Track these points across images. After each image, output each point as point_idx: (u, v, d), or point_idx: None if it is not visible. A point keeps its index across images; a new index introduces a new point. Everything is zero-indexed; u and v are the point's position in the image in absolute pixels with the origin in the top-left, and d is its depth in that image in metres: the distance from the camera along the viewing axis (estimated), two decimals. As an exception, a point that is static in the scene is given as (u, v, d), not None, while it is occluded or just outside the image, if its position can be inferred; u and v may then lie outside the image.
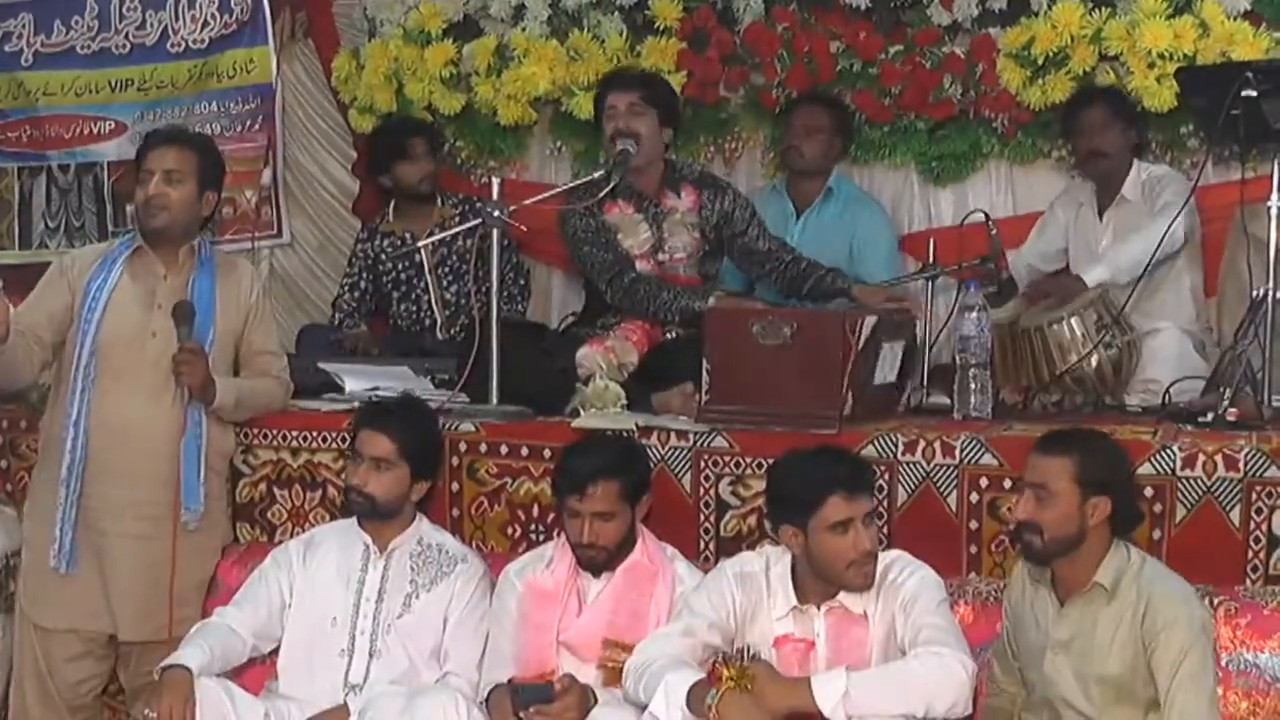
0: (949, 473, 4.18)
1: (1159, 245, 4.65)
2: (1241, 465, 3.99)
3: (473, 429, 4.50)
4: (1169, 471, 4.02)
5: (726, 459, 4.33)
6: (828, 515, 3.60)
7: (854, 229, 5.57)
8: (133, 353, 4.31)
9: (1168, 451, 4.04)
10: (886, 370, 4.55)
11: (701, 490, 4.33)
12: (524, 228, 4.93)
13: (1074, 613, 3.57)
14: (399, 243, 5.65)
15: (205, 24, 5.95)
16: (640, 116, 4.88)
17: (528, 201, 4.93)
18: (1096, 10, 5.35)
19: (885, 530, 4.16)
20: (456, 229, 5.32)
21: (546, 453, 4.39)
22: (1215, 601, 3.75)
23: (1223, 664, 3.66)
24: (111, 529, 4.30)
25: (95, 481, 4.29)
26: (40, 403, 4.57)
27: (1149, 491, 3.95)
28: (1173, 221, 4.68)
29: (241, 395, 4.43)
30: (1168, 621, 3.44)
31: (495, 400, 4.58)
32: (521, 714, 3.79)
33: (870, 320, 4.42)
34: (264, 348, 4.53)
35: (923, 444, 4.21)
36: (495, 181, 4.79)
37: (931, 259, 5.17)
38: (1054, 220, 5.41)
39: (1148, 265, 4.68)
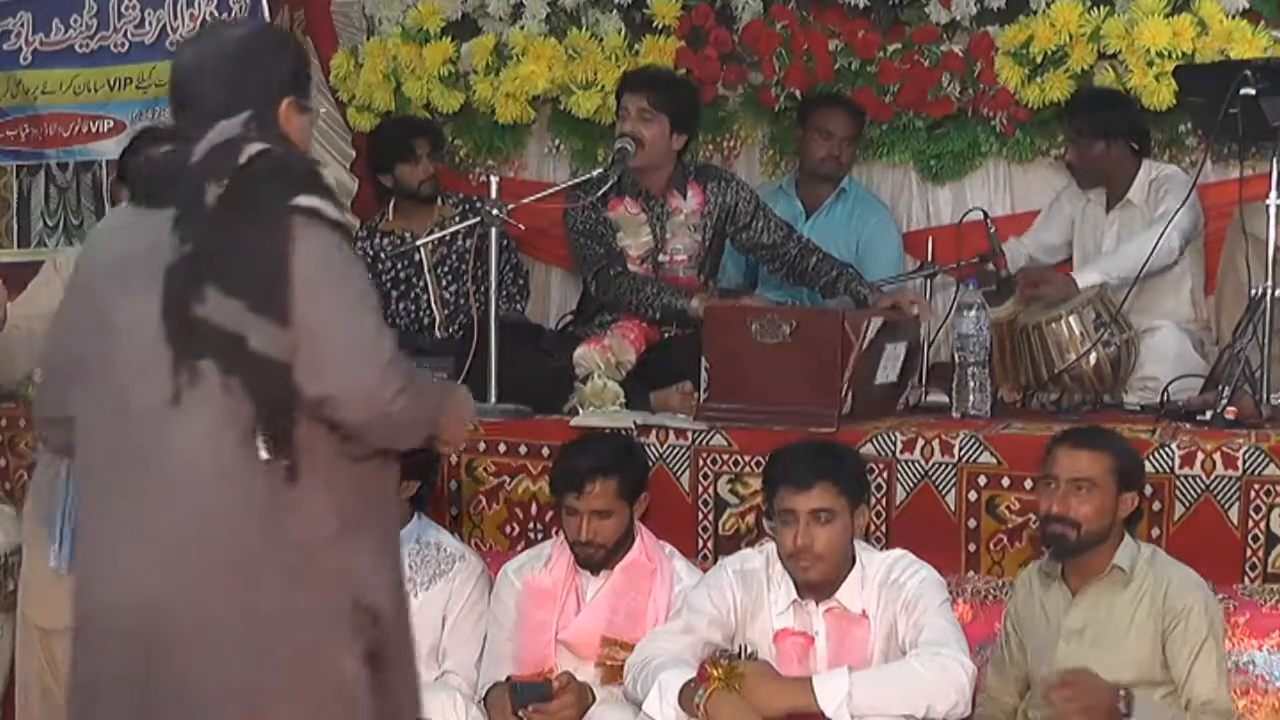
0: (947, 471, 4.18)
1: (1150, 254, 4.65)
2: (1240, 463, 3.99)
3: (471, 427, 4.49)
4: (1167, 470, 4.03)
5: (725, 457, 4.33)
6: (778, 503, 3.67)
7: (861, 231, 5.55)
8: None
9: (1166, 450, 4.04)
10: (889, 370, 4.55)
11: (700, 488, 4.33)
12: (522, 226, 4.93)
13: (1087, 600, 3.62)
14: (398, 242, 5.64)
15: (204, 22, 5.93)
16: (648, 123, 4.82)
17: (527, 200, 4.92)
18: (1095, 8, 5.34)
19: (884, 528, 4.17)
20: (455, 228, 5.31)
21: (545, 451, 4.39)
22: (1214, 599, 3.77)
23: (1221, 661, 3.67)
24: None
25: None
26: (39, 401, 4.57)
27: (1147, 490, 3.94)
28: (1165, 228, 4.67)
29: None
30: (1188, 604, 3.52)
31: (494, 399, 4.58)
32: (520, 712, 3.79)
33: (876, 322, 4.41)
34: None
35: (921, 442, 4.21)
36: (493, 180, 4.79)
37: (930, 257, 5.17)
38: (1059, 213, 5.39)
39: (1139, 274, 4.69)
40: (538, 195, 5.04)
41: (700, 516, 4.33)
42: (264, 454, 2.51)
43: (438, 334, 5.59)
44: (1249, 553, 3.98)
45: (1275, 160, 4.36)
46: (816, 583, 3.67)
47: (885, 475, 4.19)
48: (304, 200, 2.55)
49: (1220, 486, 4.00)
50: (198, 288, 2.51)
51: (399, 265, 5.68)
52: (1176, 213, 4.71)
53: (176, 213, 2.56)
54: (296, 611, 2.55)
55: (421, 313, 5.67)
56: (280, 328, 2.50)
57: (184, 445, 2.52)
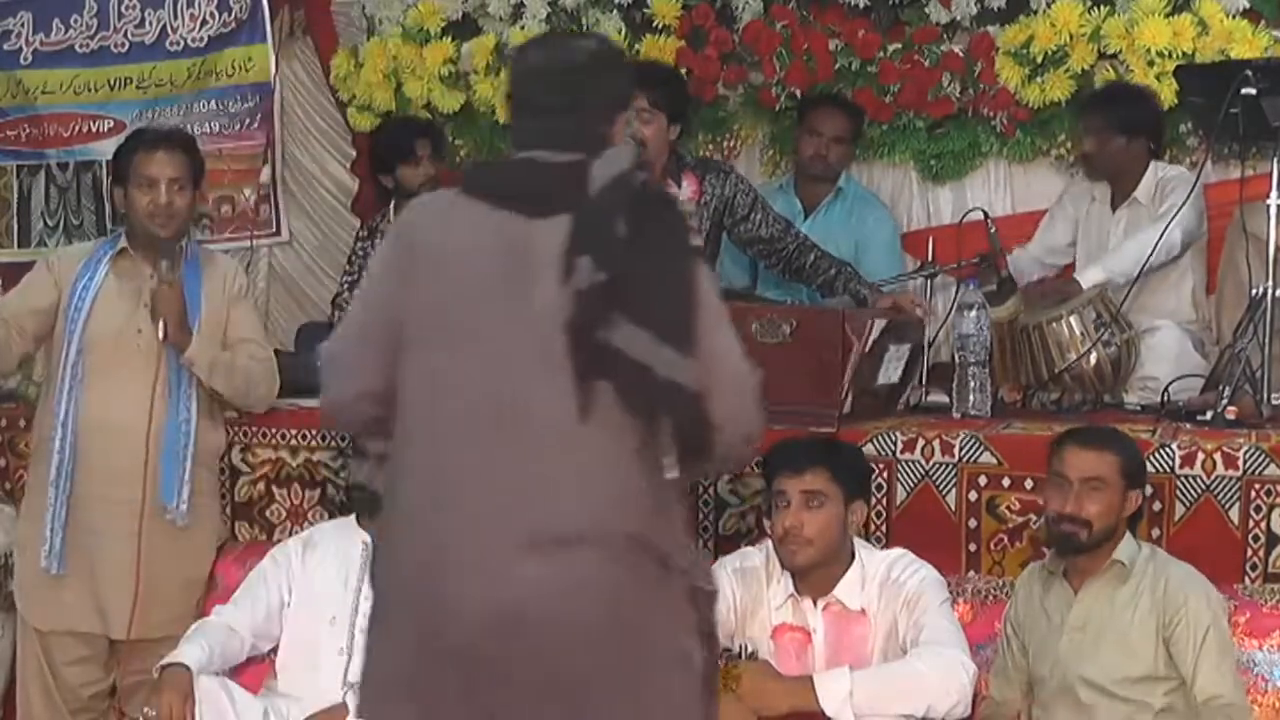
0: (948, 471, 4.18)
1: (1154, 249, 4.65)
2: (1240, 463, 3.99)
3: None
4: (1168, 470, 4.02)
5: (725, 457, 4.32)
6: (774, 488, 3.70)
7: (860, 229, 5.55)
8: (120, 351, 4.30)
9: (1166, 450, 4.04)
10: (891, 372, 4.55)
11: (700, 488, 4.32)
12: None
13: (1089, 597, 3.64)
14: (398, 242, 5.64)
15: (204, 22, 5.95)
16: (649, 124, 4.81)
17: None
18: (1095, 8, 5.35)
19: (884, 528, 4.17)
20: (455, 227, 5.31)
21: (545, 451, 4.38)
22: (1214, 599, 3.76)
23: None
24: (102, 528, 4.29)
25: (85, 481, 4.28)
26: (39, 400, 4.57)
27: (1148, 490, 3.95)
28: (1168, 225, 4.67)
29: (219, 361, 4.36)
30: (1188, 599, 3.55)
31: (494, 398, 4.56)
32: (520, 712, 3.79)
33: (880, 324, 4.41)
34: (248, 335, 4.50)
35: (922, 442, 4.21)
36: (494, 180, 4.77)
37: (930, 257, 5.17)
38: (1062, 214, 5.39)
39: (1142, 269, 4.69)
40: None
41: (700, 516, 4.32)
42: (672, 473, 2.71)
43: (438, 334, 5.58)
44: (1249, 553, 3.98)
45: (1276, 160, 4.35)
46: (804, 569, 3.67)
47: (885, 475, 4.18)
48: (695, 239, 2.83)
49: (1221, 486, 4.00)
50: (608, 315, 2.66)
51: (399, 265, 5.67)
52: (1180, 209, 4.71)
53: (577, 235, 2.69)
54: (664, 604, 2.74)
55: (422, 313, 5.67)
56: (687, 359, 2.67)
57: (593, 460, 2.69)
